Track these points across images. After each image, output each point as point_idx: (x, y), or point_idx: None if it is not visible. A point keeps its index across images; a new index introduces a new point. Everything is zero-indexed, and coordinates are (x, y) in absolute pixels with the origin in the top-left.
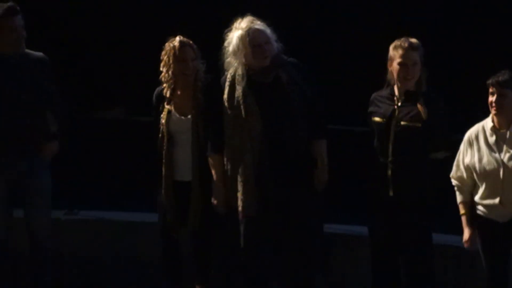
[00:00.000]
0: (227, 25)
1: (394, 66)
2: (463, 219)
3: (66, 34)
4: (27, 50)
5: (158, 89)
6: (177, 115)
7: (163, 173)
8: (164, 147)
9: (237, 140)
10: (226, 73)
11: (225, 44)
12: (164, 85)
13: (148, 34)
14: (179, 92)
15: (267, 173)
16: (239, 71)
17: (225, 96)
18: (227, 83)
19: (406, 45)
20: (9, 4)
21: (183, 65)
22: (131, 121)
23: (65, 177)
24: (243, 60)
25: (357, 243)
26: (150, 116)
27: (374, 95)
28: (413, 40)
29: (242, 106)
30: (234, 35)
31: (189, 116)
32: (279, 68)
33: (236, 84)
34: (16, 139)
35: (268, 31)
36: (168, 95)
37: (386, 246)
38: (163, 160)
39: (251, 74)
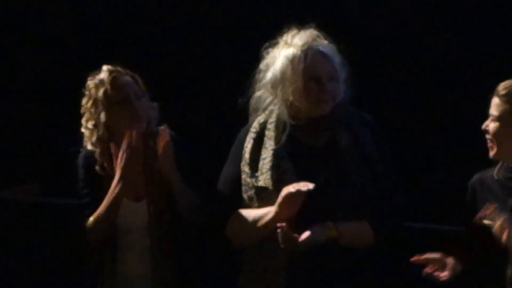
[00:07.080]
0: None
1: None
2: None
3: None
4: None
5: (85, 154)
6: (127, 200)
7: None
8: (105, 255)
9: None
10: (252, 117)
11: (261, 66)
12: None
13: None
14: (124, 160)
15: (301, 280)
16: (278, 117)
17: (247, 156)
18: (250, 136)
19: None
20: None
21: (126, 108)
22: (46, 205)
23: None
24: (289, 97)
25: None
26: (73, 197)
27: (478, 177)
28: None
29: (270, 175)
30: (281, 54)
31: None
32: (339, 126)
33: (266, 139)
34: None
35: (337, 59)
36: (104, 164)
37: None
38: (101, 276)
39: (294, 127)
